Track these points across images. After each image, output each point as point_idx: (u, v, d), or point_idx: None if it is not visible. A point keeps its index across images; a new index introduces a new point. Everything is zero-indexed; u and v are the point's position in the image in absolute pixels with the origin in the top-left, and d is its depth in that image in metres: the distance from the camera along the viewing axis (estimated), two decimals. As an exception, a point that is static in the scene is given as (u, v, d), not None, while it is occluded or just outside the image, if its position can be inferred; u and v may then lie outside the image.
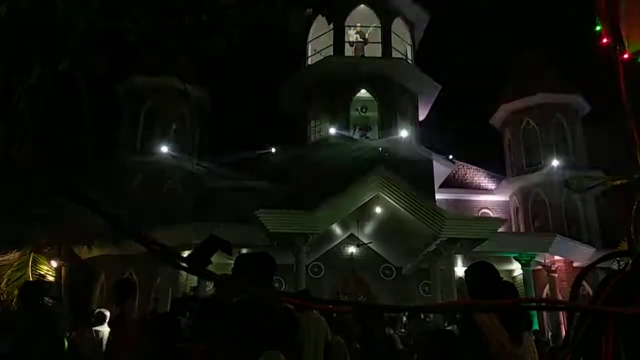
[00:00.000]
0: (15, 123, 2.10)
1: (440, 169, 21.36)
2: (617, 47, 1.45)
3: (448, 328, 8.35)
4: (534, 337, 3.89)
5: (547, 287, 18.23)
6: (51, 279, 15.49)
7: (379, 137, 20.72)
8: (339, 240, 19.05)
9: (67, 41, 2.15)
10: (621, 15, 1.48)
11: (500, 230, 16.47)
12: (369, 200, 15.91)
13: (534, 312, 13.97)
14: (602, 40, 1.53)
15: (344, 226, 17.80)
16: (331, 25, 21.74)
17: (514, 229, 22.47)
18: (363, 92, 21.52)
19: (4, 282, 14.89)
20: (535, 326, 14.45)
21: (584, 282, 1.32)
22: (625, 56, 1.43)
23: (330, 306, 1.24)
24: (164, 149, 21.31)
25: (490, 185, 24.02)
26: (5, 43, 2.05)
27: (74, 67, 2.22)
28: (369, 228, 18.19)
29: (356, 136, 20.81)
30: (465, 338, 3.57)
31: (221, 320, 3.30)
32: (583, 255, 18.02)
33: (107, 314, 7.80)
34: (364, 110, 21.50)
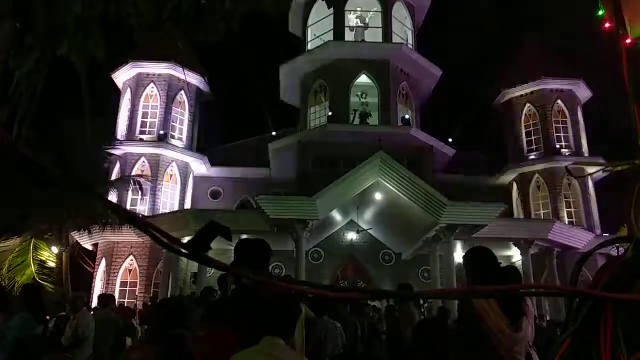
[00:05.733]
0: (14, 108, 2.10)
1: (441, 155, 21.33)
2: (620, 32, 1.44)
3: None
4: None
5: (547, 273, 18.27)
6: (52, 264, 15.55)
7: (379, 123, 20.65)
8: (339, 227, 19.08)
9: (66, 25, 2.13)
10: (624, 0, 1.47)
11: (500, 216, 16.48)
12: (369, 186, 15.90)
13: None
14: (604, 24, 1.51)
15: (344, 212, 17.82)
16: (331, 10, 21.59)
17: (515, 215, 22.46)
18: (363, 78, 21.41)
19: (5, 268, 14.95)
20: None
21: (583, 268, 1.32)
22: (628, 41, 1.42)
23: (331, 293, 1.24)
24: (163, 135, 21.26)
25: (491, 170, 23.97)
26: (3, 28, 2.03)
27: (73, 52, 2.20)
28: (368, 214, 18.21)
29: (356, 122, 20.74)
30: (465, 324, 3.59)
31: (221, 307, 3.32)
32: (582, 241, 18.05)
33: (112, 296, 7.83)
34: (364, 95, 21.37)
